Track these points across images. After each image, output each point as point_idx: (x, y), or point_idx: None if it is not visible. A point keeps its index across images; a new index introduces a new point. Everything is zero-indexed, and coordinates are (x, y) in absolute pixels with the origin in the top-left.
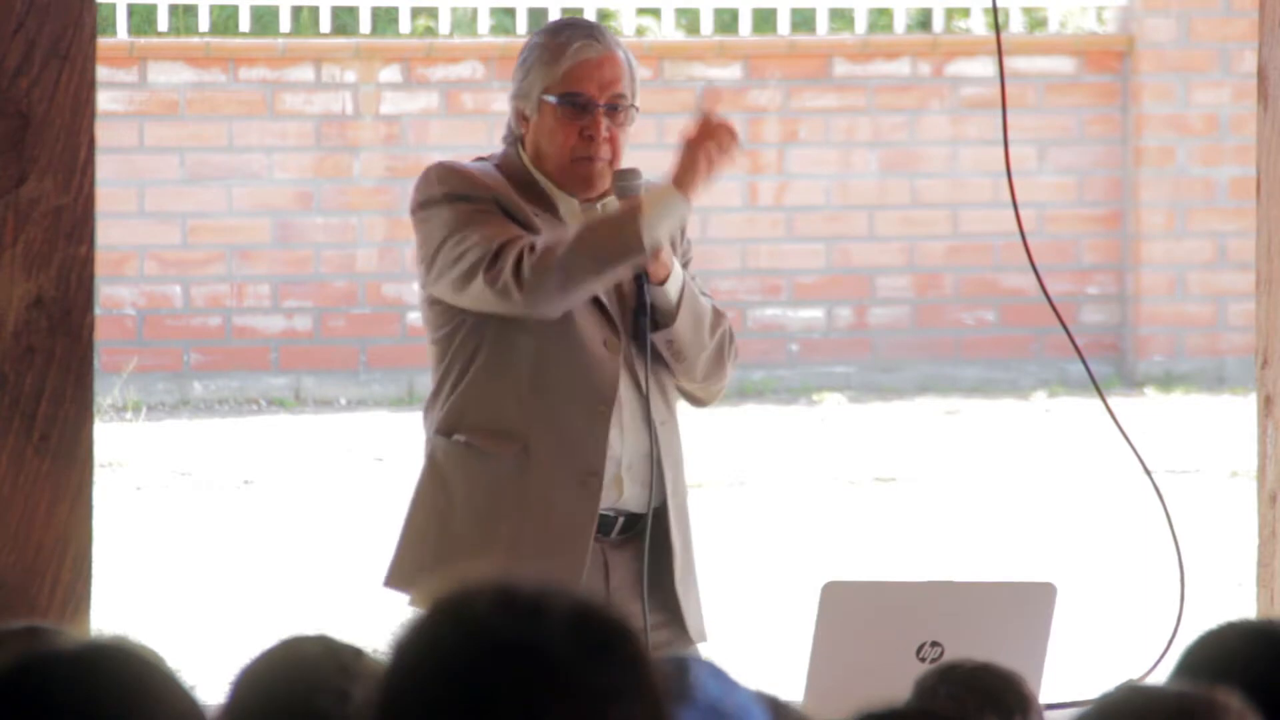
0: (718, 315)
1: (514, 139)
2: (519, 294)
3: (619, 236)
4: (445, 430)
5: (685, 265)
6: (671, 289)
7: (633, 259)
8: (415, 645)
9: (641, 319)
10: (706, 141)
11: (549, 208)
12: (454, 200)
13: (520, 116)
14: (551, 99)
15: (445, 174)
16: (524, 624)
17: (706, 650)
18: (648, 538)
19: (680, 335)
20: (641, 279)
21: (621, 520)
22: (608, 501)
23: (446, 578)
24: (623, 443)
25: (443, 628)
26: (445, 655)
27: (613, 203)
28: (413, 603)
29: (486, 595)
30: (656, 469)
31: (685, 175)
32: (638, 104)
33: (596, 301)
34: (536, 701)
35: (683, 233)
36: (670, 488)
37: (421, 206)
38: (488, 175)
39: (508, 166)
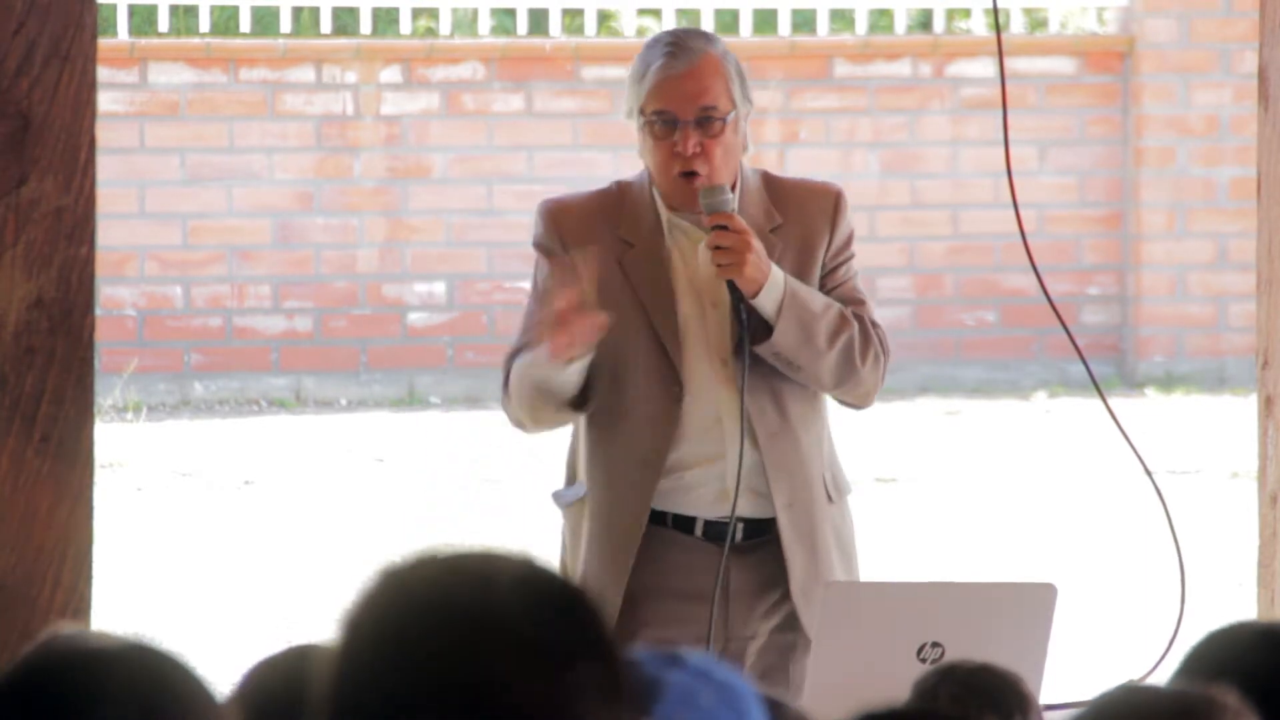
0: (843, 319)
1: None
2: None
3: (541, 394)
4: (565, 480)
5: (839, 265)
6: (765, 302)
7: (563, 407)
8: (365, 617)
9: (741, 334)
10: (555, 331)
11: (651, 228)
12: (538, 251)
13: (638, 130)
14: (643, 118)
15: (537, 218)
16: (473, 589)
17: None
18: (726, 541)
19: (785, 346)
20: (736, 295)
21: (742, 526)
22: (718, 511)
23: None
24: (725, 456)
25: (391, 597)
26: (395, 624)
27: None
28: None
29: (434, 563)
30: (749, 481)
31: (553, 346)
32: (738, 105)
33: (662, 351)
34: (489, 665)
35: (835, 228)
36: (785, 498)
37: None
38: (586, 212)
39: (634, 186)
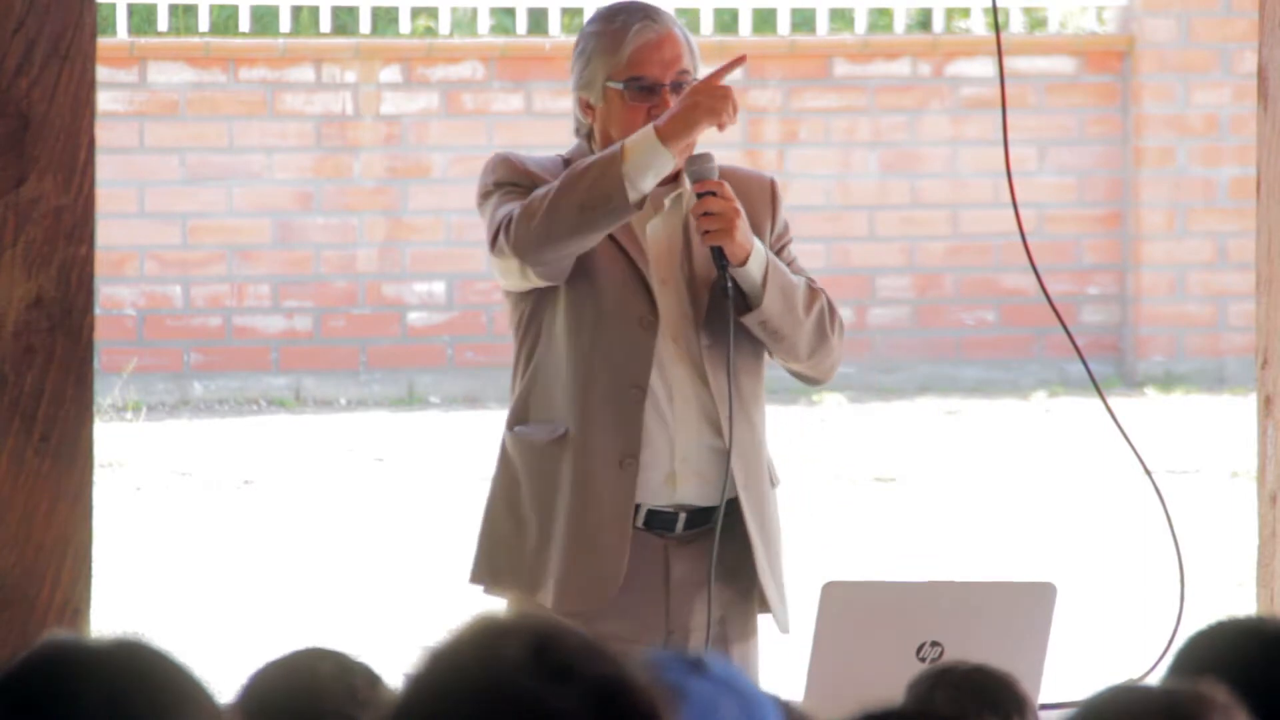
0: (812, 291)
1: (585, 131)
2: (509, 247)
3: (601, 184)
4: (511, 424)
5: (783, 248)
6: (753, 269)
7: (615, 210)
8: (434, 680)
9: (725, 302)
10: (704, 95)
11: None
12: (501, 188)
13: (585, 106)
14: (617, 85)
15: (497, 164)
16: (549, 687)
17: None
18: (718, 532)
19: (771, 315)
20: (722, 262)
21: (684, 516)
22: (663, 498)
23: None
24: (673, 436)
25: (467, 668)
26: (462, 699)
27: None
28: (493, 595)
29: (519, 644)
30: (721, 462)
31: (672, 125)
32: (698, 75)
33: (638, 278)
34: None
35: (775, 214)
36: (741, 481)
37: (481, 199)
38: (544, 166)
39: (577, 157)
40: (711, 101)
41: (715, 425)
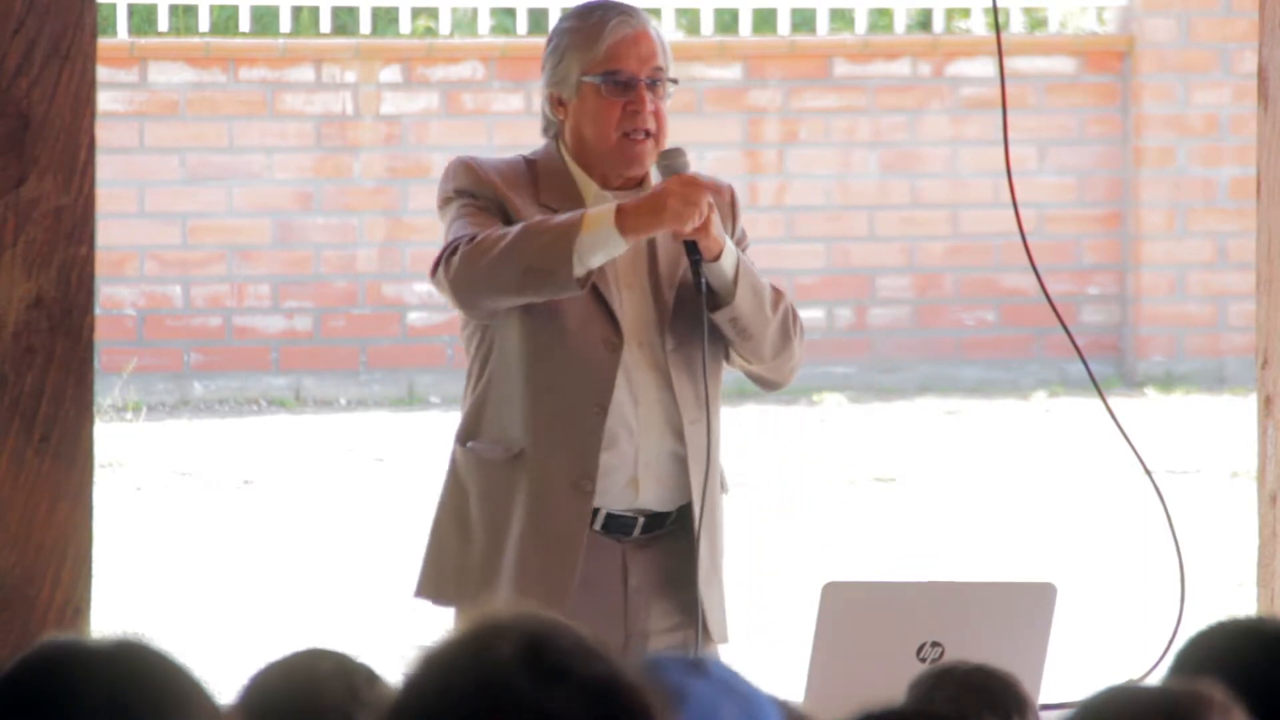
0: (776, 292)
1: (554, 131)
2: (446, 281)
3: (550, 251)
4: (462, 438)
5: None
6: (726, 265)
7: (558, 283)
8: (429, 681)
9: (694, 301)
10: (676, 200)
11: (575, 201)
12: (460, 196)
13: (557, 103)
14: (593, 79)
15: (457, 170)
16: (543, 687)
17: (725, 651)
18: (697, 533)
19: (742, 311)
20: (695, 257)
21: (642, 520)
22: (623, 503)
23: (480, 604)
24: (637, 442)
25: (461, 669)
26: (457, 700)
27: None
28: (439, 607)
29: (513, 644)
30: (681, 468)
31: (635, 218)
32: (675, 77)
33: (599, 299)
34: None
35: (735, 221)
36: (696, 488)
37: (441, 204)
38: (505, 170)
39: (545, 160)
40: (682, 207)
41: (678, 431)
